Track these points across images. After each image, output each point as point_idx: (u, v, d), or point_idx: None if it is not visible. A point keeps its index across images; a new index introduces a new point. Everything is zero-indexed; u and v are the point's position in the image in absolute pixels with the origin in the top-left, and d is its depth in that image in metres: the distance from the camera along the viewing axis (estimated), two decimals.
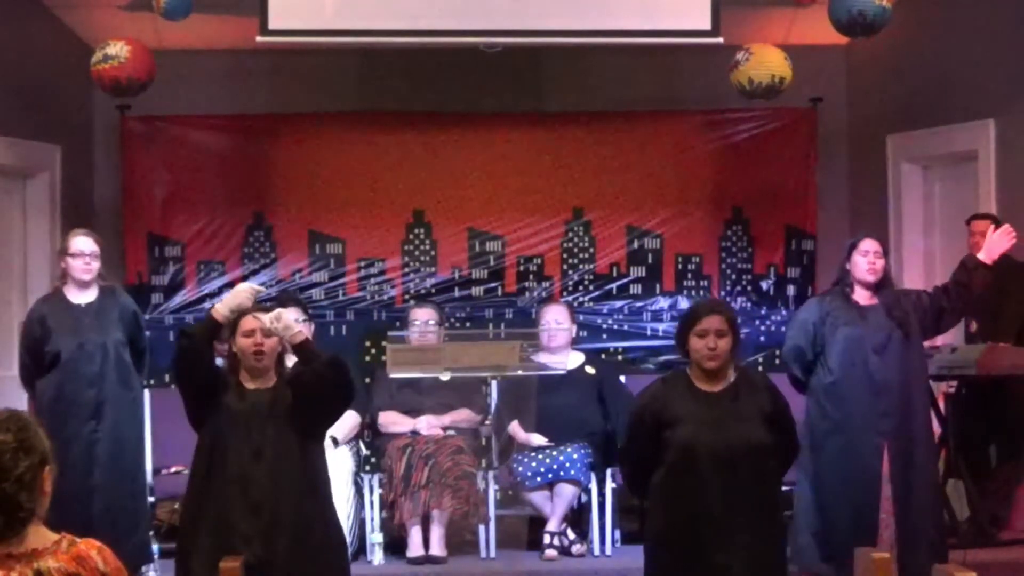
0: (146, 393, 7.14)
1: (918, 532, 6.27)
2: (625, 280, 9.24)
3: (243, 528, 5.25)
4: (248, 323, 5.40)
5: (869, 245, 6.54)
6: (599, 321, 9.13)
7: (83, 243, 6.80)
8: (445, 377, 7.29)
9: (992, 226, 7.78)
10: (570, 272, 9.23)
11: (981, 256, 6.53)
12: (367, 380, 7.83)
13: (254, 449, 5.31)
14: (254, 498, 5.27)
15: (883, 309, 6.43)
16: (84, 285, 6.80)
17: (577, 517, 7.60)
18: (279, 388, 5.42)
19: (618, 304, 9.20)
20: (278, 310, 5.46)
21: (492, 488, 7.32)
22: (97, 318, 6.76)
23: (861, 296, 6.50)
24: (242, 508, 5.27)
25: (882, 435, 6.28)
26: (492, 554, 7.26)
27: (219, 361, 5.57)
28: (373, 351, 8.79)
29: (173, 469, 7.57)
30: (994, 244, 6.54)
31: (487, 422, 7.63)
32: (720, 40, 7.80)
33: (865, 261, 6.49)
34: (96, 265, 6.80)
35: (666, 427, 4.97)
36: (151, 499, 7.22)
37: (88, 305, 6.78)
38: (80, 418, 6.64)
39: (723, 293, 9.20)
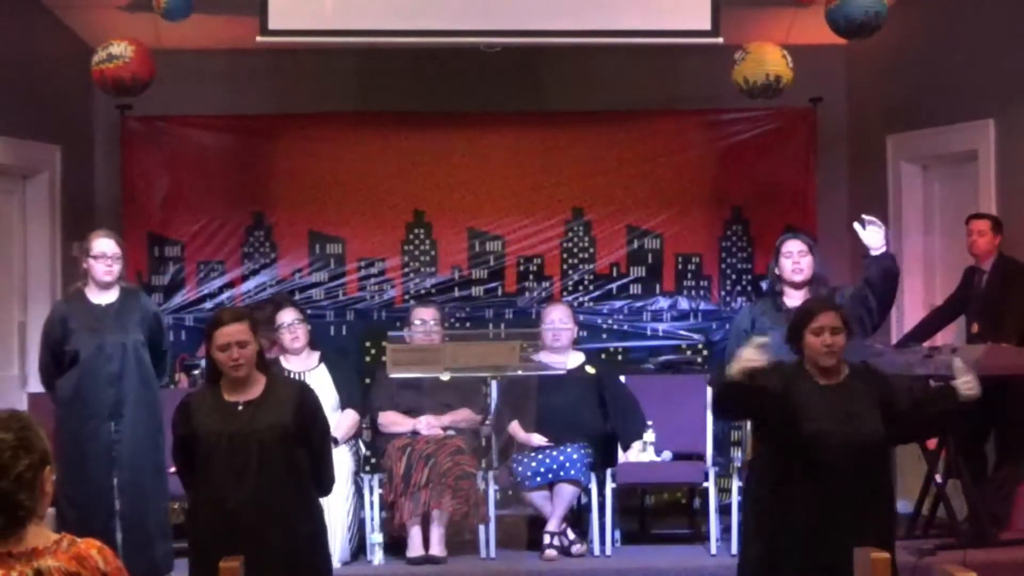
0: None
1: None
2: (625, 280, 9.23)
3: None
4: (222, 336, 4.92)
5: (792, 246, 6.59)
6: (599, 321, 9.12)
7: (105, 245, 6.76)
8: (445, 377, 7.28)
9: (990, 225, 7.82)
10: (570, 272, 9.22)
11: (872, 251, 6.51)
12: (367, 380, 7.84)
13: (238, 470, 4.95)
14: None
15: None
16: (105, 286, 6.77)
17: (577, 517, 7.61)
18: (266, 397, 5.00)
19: (618, 304, 9.19)
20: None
21: (492, 488, 7.33)
22: (117, 319, 6.74)
23: (793, 298, 6.51)
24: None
25: None
26: (492, 554, 7.26)
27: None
28: (373, 351, 8.78)
29: (172, 469, 7.56)
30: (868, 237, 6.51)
31: (487, 422, 7.63)
32: (720, 40, 7.80)
33: (789, 262, 6.54)
34: (118, 267, 6.76)
35: (791, 412, 4.99)
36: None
37: (109, 306, 6.76)
38: (99, 417, 6.64)
39: (723, 293, 9.20)
